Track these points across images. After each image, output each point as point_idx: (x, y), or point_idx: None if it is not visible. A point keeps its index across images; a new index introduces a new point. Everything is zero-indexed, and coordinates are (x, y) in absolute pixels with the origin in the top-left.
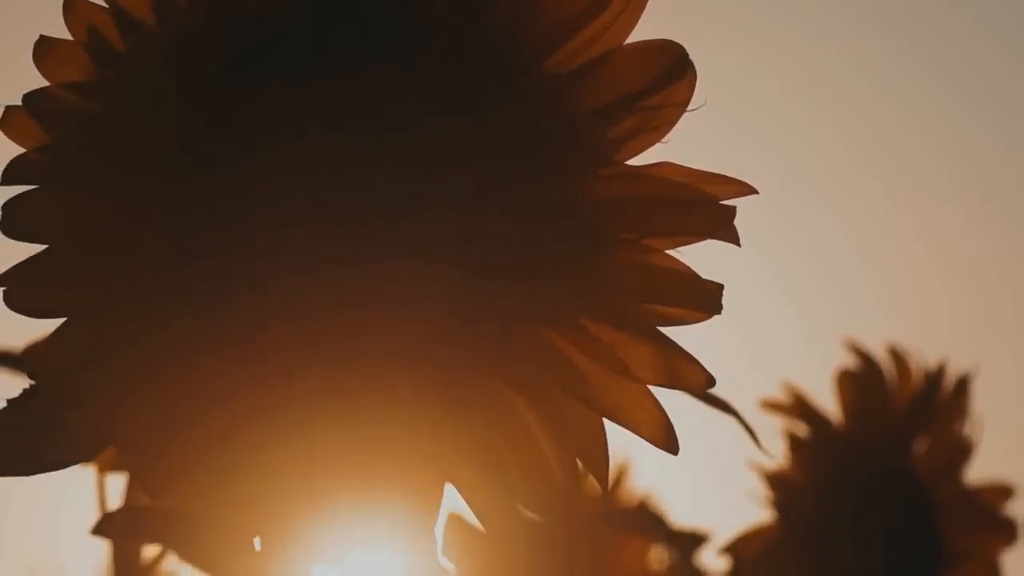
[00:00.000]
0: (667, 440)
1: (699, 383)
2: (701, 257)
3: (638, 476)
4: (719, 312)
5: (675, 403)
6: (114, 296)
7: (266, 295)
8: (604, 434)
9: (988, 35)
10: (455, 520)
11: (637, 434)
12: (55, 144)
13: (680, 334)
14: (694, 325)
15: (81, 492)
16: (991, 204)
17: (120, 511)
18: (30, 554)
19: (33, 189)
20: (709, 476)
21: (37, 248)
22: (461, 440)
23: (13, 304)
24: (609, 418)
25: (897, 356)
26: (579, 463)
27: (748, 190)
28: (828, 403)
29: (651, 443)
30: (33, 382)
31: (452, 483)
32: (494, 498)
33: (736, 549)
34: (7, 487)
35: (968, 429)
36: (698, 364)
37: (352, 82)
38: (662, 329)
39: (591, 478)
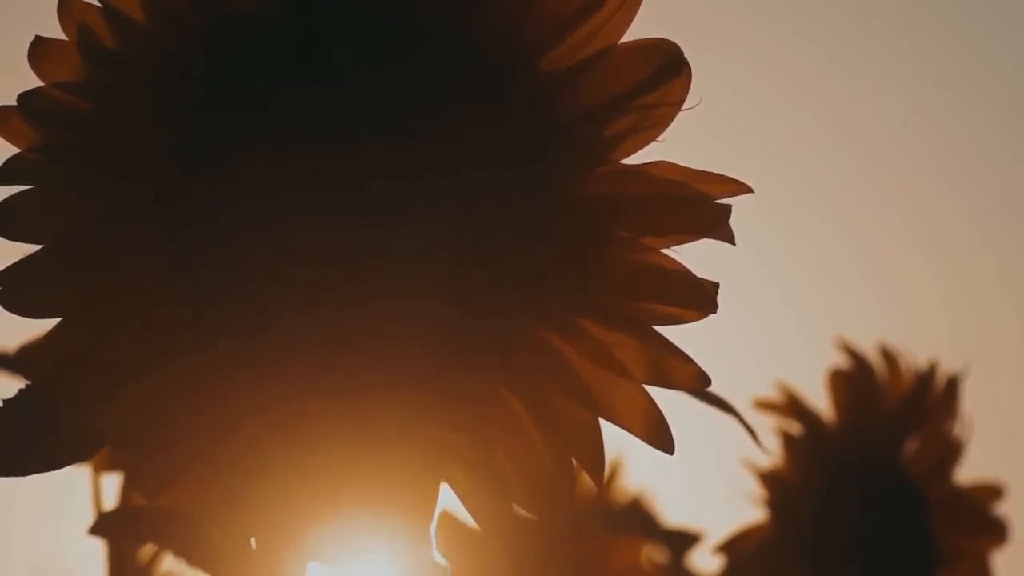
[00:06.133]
0: (662, 439)
1: (694, 382)
2: (697, 256)
3: (631, 474)
4: (715, 311)
5: (666, 402)
6: (108, 296)
7: (262, 294)
8: (599, 433)
9: (972, 33)
10: (450, 518)
11: (632, 433)
12: (50, 144)
13: (675, 333)
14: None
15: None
16: (983, 204)
17: (117, 511)
18: (40, 554)
19: (28, 189)
20: (701, 475)
21: (32, 248)
22: (456, 439)
23: (8, 305)
24: (604, 417)
25: (888, 356)
26: (574, 462)
27: (744, 189)
28: (821, 402)
29: (646, 442)
30: (29, 382)
31: (447, 482)
32: (489, 497)
33: (729, 548)
34: (15, 487)
35: (958, 429)
36: (693, 363)
37: (346, 82)
38: (658, 328)
39: (585, 477)
